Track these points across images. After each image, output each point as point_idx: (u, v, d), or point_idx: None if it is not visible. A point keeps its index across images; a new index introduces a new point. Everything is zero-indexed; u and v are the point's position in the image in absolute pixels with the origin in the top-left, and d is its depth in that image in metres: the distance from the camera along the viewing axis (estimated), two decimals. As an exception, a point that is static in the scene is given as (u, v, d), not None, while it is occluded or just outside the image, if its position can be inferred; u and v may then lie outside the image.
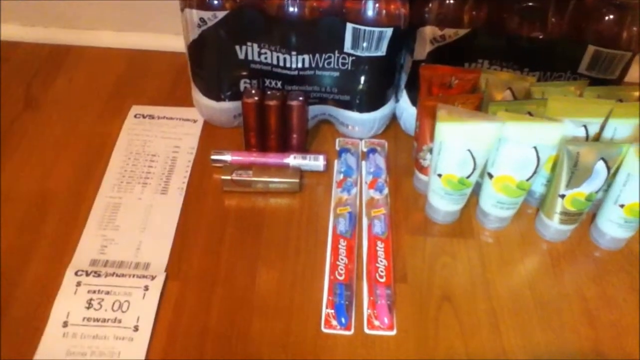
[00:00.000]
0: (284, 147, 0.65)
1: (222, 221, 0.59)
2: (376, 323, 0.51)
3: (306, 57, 0.60)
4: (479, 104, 0.57)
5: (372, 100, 0.65)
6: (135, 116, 0.69)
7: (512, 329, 0.52)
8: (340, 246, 0.56)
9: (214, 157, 0.63)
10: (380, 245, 0.56)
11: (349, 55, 0.59)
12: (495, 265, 0.57)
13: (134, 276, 0.53)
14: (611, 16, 0.57)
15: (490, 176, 0.56)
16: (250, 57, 0.61)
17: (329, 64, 0.61)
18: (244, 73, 0.62)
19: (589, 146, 0.53)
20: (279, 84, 0.63)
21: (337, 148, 0.66)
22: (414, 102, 0.65)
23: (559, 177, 0.54)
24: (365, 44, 0.58)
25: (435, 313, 0.52)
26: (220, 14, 0.57)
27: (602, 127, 0.55)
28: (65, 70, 0.76)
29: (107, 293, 0.52)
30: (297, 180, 0.61)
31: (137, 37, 0.79)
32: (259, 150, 0.65)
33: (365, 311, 0.52)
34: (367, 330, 0.51)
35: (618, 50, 0.58)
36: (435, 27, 0.59)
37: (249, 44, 0.60)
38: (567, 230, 0.58)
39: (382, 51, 0.59)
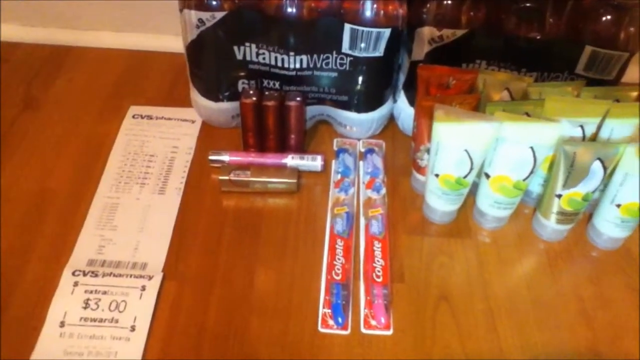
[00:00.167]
0: (282, 148, 0.65)
1: (220, 221, 0.59)
2: (373, 323, 0.51)
3: (304, 57, 0.60)
4: (477, 105, 0.57)
5: (370, 101, 0.65)
6: (133, 116, 0.69)
7: (509, 328, 0.52)
8: (337, 246, 0.56)
9: (212, 157, 0.63)
10: (377, 245, 0.56)
11: (347, 55, 0.59)
12: (493, 265, 0.57)
13: (131, 276, 0.53)
14: (608, 17, 0.57)
15: (488, 176, 0.56)
16: (248, 58, 0.61)
17: (327, 64, 0.61)
18: (242, 73, 0.62)
19: (585, 146, 0.53)
20: (277, 85, 0.63)
21: (335, 148, 0.67)
22: (411, 102, 0.65)
23: (556, 177, 0.54)
24: (363, 45, 0.58)
25: (432, 313, 0.53)
26: (219, 15, 0.57)
27: (599, 128, 0.55)
28: (64, 71, 0.76)
29: (105, 293, 0.52)
30: (294, 181, 0.61)
31: (136, 38, 0.80)
32: (256, 151, 0.65)
33: (362, 311, 0.52)
34: (364, 330, 0.51)
35: (615, 51, 0.58)
36: (433, 28, 0.59)
37: (247, 44, 0.60)
38: (564, 230, 0.58)
39: (380, 52, 0.59)
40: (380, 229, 0.58)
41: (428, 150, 0.57)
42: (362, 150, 0.67)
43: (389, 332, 0.51)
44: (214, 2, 0.56)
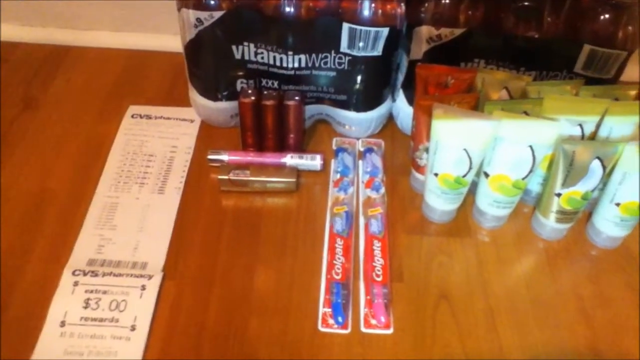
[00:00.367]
0: (281, 147, 0.65)
1: (220, 221, 0.59)
2: (373, 322, 0.51)
3: (303, 56, 0.60)
4: (475, 104, 0.57)
5: (368, 100, 0.65)
6: (132, 116, 0.69)
7: (509, 327, 0.52)
8: (337, 245, 0.56)
9: (211, 156, 0.63)
10: (377, 245, 0.56)
11: (346, 55, 0.59)
12: (492, 264, 0.57)
13: (131, 276, 0.53)
14: (607, 15, 0.57)
15: (487, 175, 0.56)
16: (247, 57, 0.61)
17: (325, 63, 0.61)
18: (241, 73, 0.62)
19: (584, 145, 0.53)
20: (276, 84, 0.63)
21: (334, 147, 0.67)
22: (410, 101, 0.65)
23: (555, 176, 0.54)
24: (361, 44, 0.58)
25: (432, 312, 0.53)
26: (217, 14, 0.57)
27: (598, 126, 0.55)
28: (64, 71, 0.76)
29: (105, 293, 0.52)
30: (294, 180, 0.61)
31: (135, 38, 0.80)
32: (256, 150, 0.65)
33: (362, 310, 0.52)
34: (363, 329, 0.51)
35: (614, 50, 0.58)
36: (432, 27, 0.59)
37: (245, 43, 0.60)
38: (563, 229, 0.58)
39: (378, 51, 0.59)
40: (380, 228, 0.58)
41: (427, 150, 0.57)
42: (361, 149, 0.67)
43: (389, 331, 0.51)
44: (212, 2, 0.56)
